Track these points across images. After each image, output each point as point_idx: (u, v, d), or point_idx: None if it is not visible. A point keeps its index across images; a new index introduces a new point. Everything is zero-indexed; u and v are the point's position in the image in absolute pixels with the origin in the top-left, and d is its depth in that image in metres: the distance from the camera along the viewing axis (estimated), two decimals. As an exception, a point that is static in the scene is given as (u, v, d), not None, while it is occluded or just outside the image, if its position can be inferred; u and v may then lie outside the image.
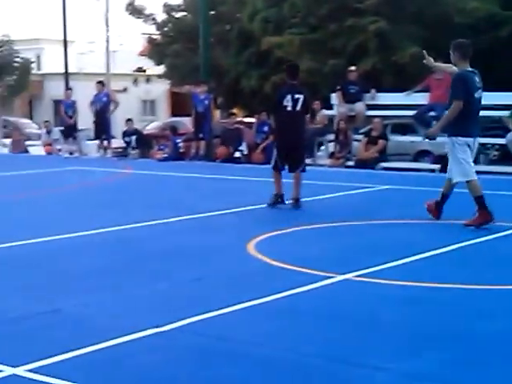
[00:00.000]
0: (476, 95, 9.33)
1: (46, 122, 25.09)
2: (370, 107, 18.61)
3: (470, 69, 9.42)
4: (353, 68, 18.88)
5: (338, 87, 18.72)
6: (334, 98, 19.00)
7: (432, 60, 10.21)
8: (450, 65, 9.85)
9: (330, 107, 19.33)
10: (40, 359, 4.80)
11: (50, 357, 4.85)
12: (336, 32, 22.32)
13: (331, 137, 18.92)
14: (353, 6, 22.35)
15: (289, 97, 11.08)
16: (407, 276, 6.95)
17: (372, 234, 9.20)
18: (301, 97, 11.10)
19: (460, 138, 9.26)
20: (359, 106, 18.54)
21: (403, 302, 6.22)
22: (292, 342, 5.25)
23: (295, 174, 11.30)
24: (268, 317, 5.85)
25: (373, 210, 10.97)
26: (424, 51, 10.27)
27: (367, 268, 7.19)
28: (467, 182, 9.33)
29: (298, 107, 11.10)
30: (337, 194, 12.65)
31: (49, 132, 23.33)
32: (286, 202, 11.24)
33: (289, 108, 11.08)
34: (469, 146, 9.31)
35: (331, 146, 19.12)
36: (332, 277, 6.92)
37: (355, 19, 21.71)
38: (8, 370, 4.66)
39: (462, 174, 9.30)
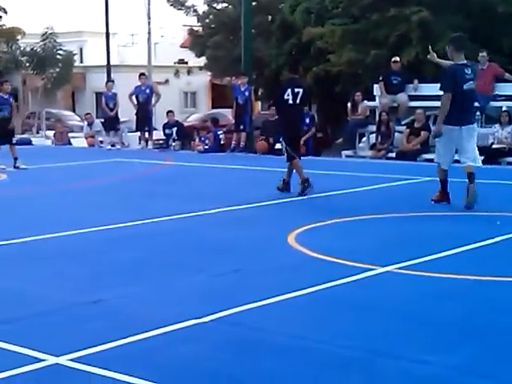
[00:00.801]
0: (465, 87, 9.86)
1: (88, 114, 25.28)
2: (413, 98, 18.43)
3: (464, 61, 9.96)
4: (396, 58, 18.70)
5: (381, 78, 18.58)
6: (377, 88, 18.86)
7: (435, 55, 10.77)
8: (448, 61, 10.36)
9: (372, 98, 19.18)
10: (82, 349, 4.85)
11: (92, 347, 4.90)
12: (378, 22, 22.10)
13: (373, 128, 18.77)
14: (395, -5, 22.11)
15: (289, 90, 11.58)
16: (450, 268, 6.86)
17: (414, 226, 9.11)
18: (300, 90, 11.61)
19: (445, 126, 9.89)
20: (402, 97, 18.38)
21: (445, 295, 6.13)
22: (331, 334, 5.22)
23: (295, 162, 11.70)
24: (308, 309, 5.83)
25: (415, 202, 10.85)
26: (429, 46, 10.87)
27: (409, 260, 7.12)
28: (437, 164, 10.27)
29: (298, 100, 11.60)
30: (378, 186, 12.54)
31: (90, 124, 23.51)
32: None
33: (290, 101, 11.59)
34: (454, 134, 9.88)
35: (373, 138, 18.98)
36: (373, 269, 6.87)
37: (398, 9, 21.47)
38: (51, 359, 4.71)
39: (436, 154, 10.46)
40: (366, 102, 19.10)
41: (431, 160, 17.02)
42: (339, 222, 9.32)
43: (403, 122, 19.07)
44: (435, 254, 7.38)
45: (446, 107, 9.80)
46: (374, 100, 19.12)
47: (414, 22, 21.06)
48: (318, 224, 9.15)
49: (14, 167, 15.64)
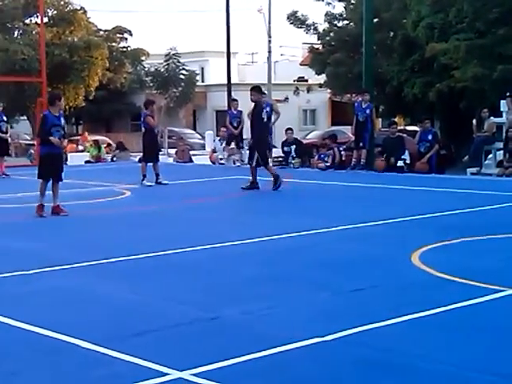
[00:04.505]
0: None
1: (223, 127, 25.54)
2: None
3: None
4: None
5: (508, 94, 17.97)
6: (504, 104, 18.26)
7: None
8: None
9: (498, 114, 18.59)
10: (204, 364, 4.85)
11: (214, 362, 4.88)
12: (505, 36, 21.44)
13: (500, 145, 18.16)
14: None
15: (264, 110, 14.72)
16: None
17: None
18: (268, 109, 14.88)
19: None
20: (530, 114, 17.72)
21: None
22: (458, 356, 5.03)
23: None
24: (434, 330, 5.64)
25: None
26: None
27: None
28: None
29: (266, 118, 14.99)
30: (506, 205, 12.05)
31: (221, 139, 23.78)
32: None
33: (265, 119, 14.82)
34: None
35: (500, 155, 18.36)
36: (502, 290, 6.58)
37: (526, 23, 20.80)
38: (175, 374, 4.73)
39: None
40: (492, 118, 18.52)
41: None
42: (465, 242, 9.00)
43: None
44: None
45: None
46: (500, 116, 18.53)
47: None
48: (443, 243, 8.88)
49: (156, 182, 16.06)
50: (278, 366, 4.89)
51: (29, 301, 6.71)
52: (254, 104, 15.07)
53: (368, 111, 18.89)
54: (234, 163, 21.44)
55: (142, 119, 16.64)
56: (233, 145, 22.07)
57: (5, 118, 19.75)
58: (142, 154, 17.01)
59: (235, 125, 21.29)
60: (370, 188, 15.29)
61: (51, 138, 11.67)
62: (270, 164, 14.87)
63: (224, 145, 22.66)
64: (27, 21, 37.39)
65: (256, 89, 15.16)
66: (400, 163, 18.78)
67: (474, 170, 18.45)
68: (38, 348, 5.37)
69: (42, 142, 12.18)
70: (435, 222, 10.69)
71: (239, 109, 21.54)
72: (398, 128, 21.39)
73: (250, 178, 14.85)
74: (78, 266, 8.02)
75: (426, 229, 10.15)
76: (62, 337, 5.50)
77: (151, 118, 16.45)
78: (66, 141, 12.54)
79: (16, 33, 37.23)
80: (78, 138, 38.26)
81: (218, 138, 24.44)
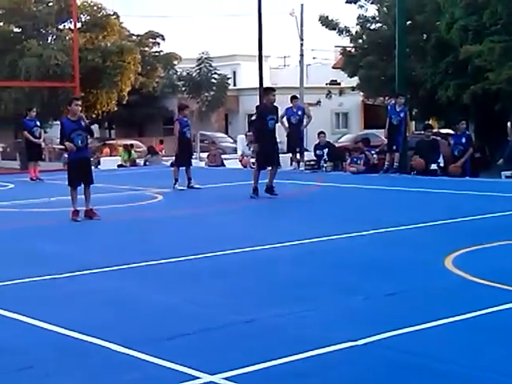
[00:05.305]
0: None
1: (249, 132, 25.58)
2: None
3: None
4: None
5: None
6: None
7: None
8: None
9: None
10: (235, 368, 4.83)
11: (246, 366, 4.87)
12: (540, 38, 21.19)
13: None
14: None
15: (270, 115, 14.36)
16: None
17: None
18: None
19: None
20: None
21: None
22: (491, 361, 4.97)
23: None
24: (467, 334, 5.59)
25: None
26: None
27: None
28: None
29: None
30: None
31: (248, 145, 23.77)
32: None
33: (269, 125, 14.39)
34: None
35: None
36: (538, 295, 6.46)
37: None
38: (206, 378, 4.72)
39: None
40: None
41: None
42: (499, 246, 8.88)
43: None
44: None
45: None
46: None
47: None
48: (477, 247, 8.79)
49: (188, 187, 16.09)
50: (311, 370, 4.86)
51: (62, 304, 6.75)
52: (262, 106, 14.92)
53: (402, 114, 18.75)
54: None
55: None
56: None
57: (38, 123, 19.93)
58: (174, 158, 17.05)
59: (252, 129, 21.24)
60: (403, 191, 15.17)
61: (66, 143, 11.75)
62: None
63: (250, 150, 22.70)
64: (61, 26, 37.72)
65: (265, 90, 15.04)
66: (433, 166, 18.61)
67: (508, 173, 18.22)
68: (70, 351, 5.39)
69: (66, 149, 12.25)
70: (469, 225, 10.57)
71: None
72: (433, 131, 21.15)
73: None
74: (110, 269, 8.06)
75: (460, 232, 10.05)
76: (94, 340, 5.52)
77: (177, 123, 16.47)
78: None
79: (50, 38, 37.59)
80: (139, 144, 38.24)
81: (246, 142, 24.47)
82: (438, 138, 20.47)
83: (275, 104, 14.72)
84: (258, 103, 24.80)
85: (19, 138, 33.99)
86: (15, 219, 12.35)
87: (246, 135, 25.62)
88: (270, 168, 14.44)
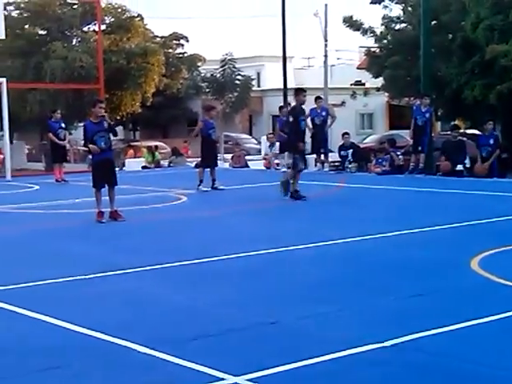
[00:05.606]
0: None
1: (271, 134, 25.56)
2: None
3: None
4: None
5: None
6: None
7: None
8: None
9: None
10: (261, 369, 4.80)
11: (271, 367, 4.83)
12: None
13: None
14: None
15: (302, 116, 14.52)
16: None
17: None
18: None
19: None
20: None
21: None
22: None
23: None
24: (493, 335, 5.56)
25: None
26: None
27: None
28: None
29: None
30: None
31: (272, 145, 23.74)
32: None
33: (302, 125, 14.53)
34: None
35: None
36: None
37: None
38: (230, 379, 4.70)
39: None
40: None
41: None
42: (529, 247, 8.75)
43: None
44: None
45: None
46: None
47: None
48: (503, 248, 8.70)
49: (212, 188, 16.07)
50: (337, 371, 4.83)
51: (86, 305, 6.76)
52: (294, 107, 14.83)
53: (428, 115, 18.61)
54: (289, 168, 21.23)
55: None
56: (276, 150, 22.17)
57: (63, 125, 20.01)
58: (200, 159, 17.02)
59: (287, 131, 21.20)
60: (429, 192, 15.04)
61: (90, 146, 11.80)
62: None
63: (274, 151, 22.67)
64: (85, 29, 37.84)
65: (296, 91, 14.84)
66: (459, 167, 18.43)
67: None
68: (95, 351, 5.39)
69: (90, 151, 12.26)
70: (495, 227, 10.49)
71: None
72: (459, 132, 20.95)
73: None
74: (134, 270, 8.06)
75: (486, 234, 9.96)
76: (119, 341, 5.52)
77: (201, 124, 16.48)
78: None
79: (74, 41, 37.70)
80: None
81: (268, 143, 24.45)
82: (465, 139, 20.26)
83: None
84: (281, 104, 24.78)
85: (44, 139, 34.15)
86: (41, 220, 12.42)
87: (267, 137, 25.61)
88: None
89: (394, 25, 29.75)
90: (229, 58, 49.69)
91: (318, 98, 21.21)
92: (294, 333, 5.67)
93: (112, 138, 12.30)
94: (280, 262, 8.36)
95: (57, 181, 19.61)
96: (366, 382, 4.66)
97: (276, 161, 22.73)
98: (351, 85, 46.23)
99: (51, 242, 10.24)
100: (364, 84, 43.87)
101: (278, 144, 23.37)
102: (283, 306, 6.44)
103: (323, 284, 7.24)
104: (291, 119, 14.32)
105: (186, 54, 47.52)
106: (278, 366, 4.84)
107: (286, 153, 21.48)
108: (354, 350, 5.13)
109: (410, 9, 28.94)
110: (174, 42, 46.67)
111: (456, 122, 25.36)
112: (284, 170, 21.10)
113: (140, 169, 26.57)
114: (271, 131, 29.35)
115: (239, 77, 49.67)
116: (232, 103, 48.99)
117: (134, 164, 28.07)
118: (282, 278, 7.57)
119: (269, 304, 6.54)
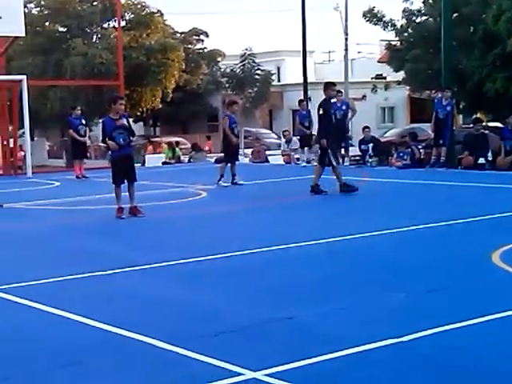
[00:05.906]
0: None
1: (286, 131, 25.57)
2: None
3: None
4: None
5: None
6: None
7: None
8: None
9: None
10: (278, 365, 4.79)
11: (287, 363, 4.82)
12: None
13: None
14: None
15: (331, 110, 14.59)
16: None
17: None
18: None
19: None
20: None
21: None
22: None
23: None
24: (513, 331, 5.47)
25: None
26: None
27: None
28: None
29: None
30: None
31: (288, 141, 23.74)
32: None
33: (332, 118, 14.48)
34: None
35: None
36: None
37: None
38: (248, 374, 4.69)
39: None
40: None
41: None
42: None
43: None
44: None
45: None
46: None
47: None
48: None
49: (232, 183, 16.03)
50: (353, 367, 4.80)
51: (106, 301, 6.76)
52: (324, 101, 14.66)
53: (449, 108, 18.46)
54: (309, 163, 21.19)
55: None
56: (296, 145, 22.15)
57: (83, 122, 20.06)
58: (222, 154, 17.00)
59: (306, 125, 21.21)
60: (450, 186, 14.93)
61: (108, 142, 11.78)
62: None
63: (291, 146, 22.66)
64: (105, 25, 37.97)
65: (325, 85, 14.71)
66: (481, 160, 18.27)
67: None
68: (116, 348, 5.39)
69: (109, 148, 12.25)
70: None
71: (308, 108, 21.46)
72: (482, 125, 20.80)
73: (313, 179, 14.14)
74: (153, 266, 8.06)
75: (508, 227, 9.85)
76: (139, 337, 5.51)
77: (226, 119, 16.48)
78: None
79: (94, 37, 37.86)
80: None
81: (284, 140, 24.43)
82: (487, 132, 20.08)
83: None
84: (301, 98, 24.69)
85: (65, 136, 34.32)
86: (61, 216, 12.47)
87: (283, 134, 25.57)
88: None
89: (414, 18, 29.52)
90: (248, 52, 49.62)
91: (338, 92, 21.08)
92: (310, 329, 5.62)
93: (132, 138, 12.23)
94: (293, 259, 8.29)
95: (77, 177, 19.67)
96: (381, 377, 4.62)
97: (296, 155, 22.66)
98: (372, 78, 45.97)
99: (71, 237, 10.27)
100: (385, 78, 43.63)
101: (294, 139, 23.36)
102: (298, 303, 6.38)
103: (339, 279, 7.21)
104: (321, 112, 14.09)
105: (205, 50, 47.54)
106: (295, 362, 4.82)
107: (306, 148, 21.50)
108: (369, 346, 5.08)
109: (430, 1, 28.73)
110: (194, 37, 46.70)
111: (478, 115, 25.15)
112: (304, 164, 21.07)
113: (160, 165, 26.60)
114: (290, 126, 29.28)
115: (259, 72, 49.59)
116: (252, 98, 48.93)
117: (153, 160, 28.10)
118: (296, 275, 7.49)
119: (283, 300, 6.49)
